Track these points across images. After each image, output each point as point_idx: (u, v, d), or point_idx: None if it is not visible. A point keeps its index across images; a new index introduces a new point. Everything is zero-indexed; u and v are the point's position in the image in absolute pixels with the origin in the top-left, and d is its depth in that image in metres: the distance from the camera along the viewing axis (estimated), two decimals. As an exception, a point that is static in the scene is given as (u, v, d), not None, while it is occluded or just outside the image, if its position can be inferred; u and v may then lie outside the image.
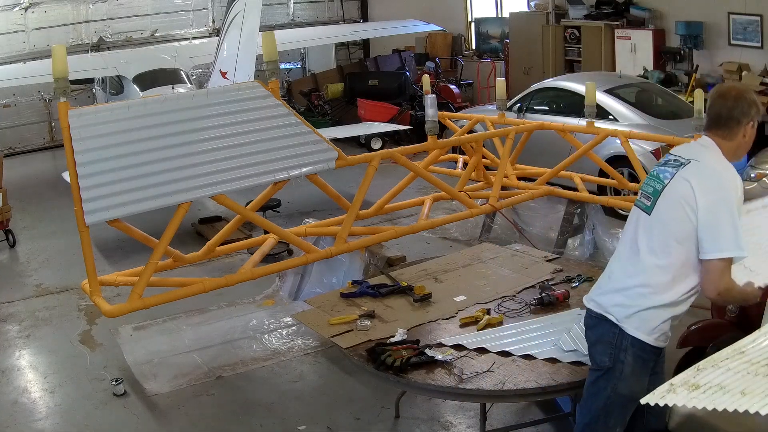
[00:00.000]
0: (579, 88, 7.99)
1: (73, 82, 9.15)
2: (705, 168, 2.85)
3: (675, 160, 2.95)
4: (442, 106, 8.78)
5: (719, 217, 2.75)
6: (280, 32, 9.07)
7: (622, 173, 6.84)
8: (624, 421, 2.99)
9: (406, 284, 4.18)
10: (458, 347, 3.44)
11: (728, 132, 2.94)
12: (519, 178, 6.84)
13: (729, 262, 2.76)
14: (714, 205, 2.76)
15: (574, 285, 4.04)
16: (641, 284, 2.87)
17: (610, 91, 8.48)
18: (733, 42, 9.88)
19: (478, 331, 3.63)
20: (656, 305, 2.85)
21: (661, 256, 2.85)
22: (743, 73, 9.52)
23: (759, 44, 9.62)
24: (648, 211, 2.93)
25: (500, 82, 7.47)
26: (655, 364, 3.00)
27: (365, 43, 16.81)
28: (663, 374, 3.09)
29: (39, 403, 4.94)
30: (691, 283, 2.85)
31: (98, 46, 13.49)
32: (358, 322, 3.75)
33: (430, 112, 5.85)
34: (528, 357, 3.33)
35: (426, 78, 7.62)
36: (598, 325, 2.98)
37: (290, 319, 5.66)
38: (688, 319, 5.40)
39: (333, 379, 5.03)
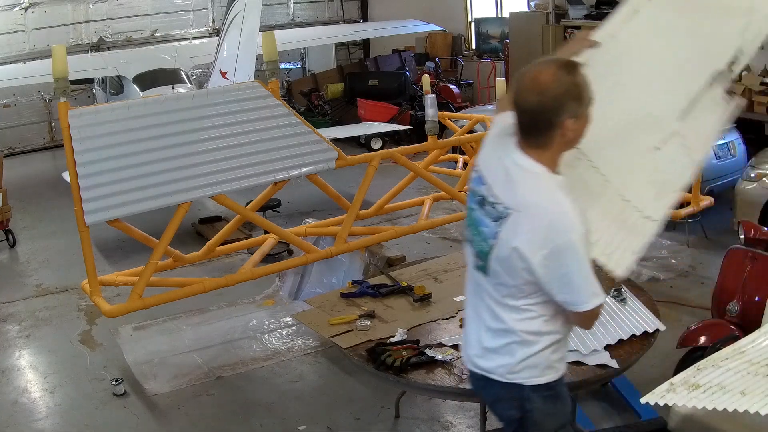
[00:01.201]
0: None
1: (73, 82, 9.16)
2: (528, 221, 2.30)
3: (492, 205, 2.40)
4: (442, 106, 8.77)
5: (563, 271, 2.30)
6: (280, 32, 9.06)
7: (622, 173, 6.83)
8: None
9: (406, 284, 4.18)
10: (458, 347, 3.44)
11: (540, 139, 2.33)
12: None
13: (589, 311, 2.38)
14: (553, 260, 2.28)
15: (574, 285, 4.03)
16: (512, 341, 2.47)
17: (610, 91, 8.46)
18: (733, 42, 9.87)
19: (478, 331, 3.62)
20: (536, 351, 2.47)
21: (518, 312, 2.44)
22: (743, 73, 9.52)
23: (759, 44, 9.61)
24: (484, 272, 2.47)
25: (500, 82, 7.45)
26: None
27: (365, 43, 16.81)
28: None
29: (39, 403, 4.94)
30: (562, 316, 2.48)
31: (98, 46, 13.48)
32: (358, 322, 3.75)
33: (430, 112, 5.85)
34: (528, 357, 3.32)
35: (426, 78, 7.61)
36: (488, 386, 2.61)
37: (290, 319, 5.67)
38: (688, 318, 5.42)
39: (333, 379, 5.03)
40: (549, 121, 2.28)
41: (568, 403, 2.69)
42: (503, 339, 2.49)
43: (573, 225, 2.27)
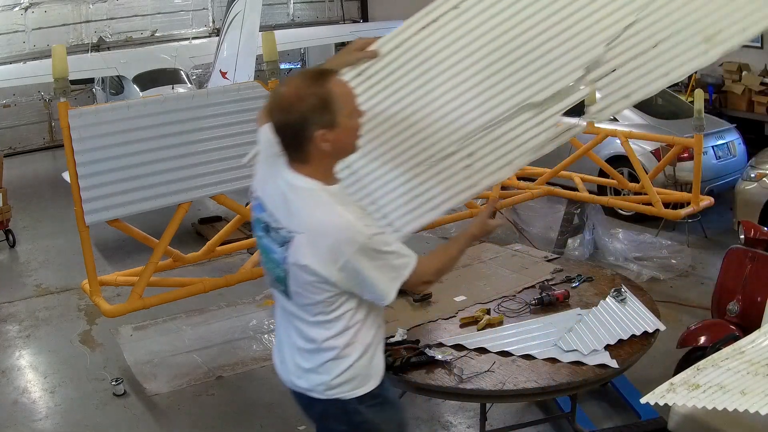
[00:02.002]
0: (579, 88, 7.98)
1: (73, 82, 9.16)
2: (313, 242, 2.25)
3: (276, 230, 2.35)
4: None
5: (362, 277, 2.27)
6: (280, 32, 9.06)
7: (622, 173, 6.84)
8: None
9: (406, 284, 4.17)
10: (458, 347, 3.44)
11: (299, 155, 2.28)
12: (519, 178, 6.83)
13: (408, 281, 2.35)
14: (349, 271, 2.25)
15: (574, 285, 4.04)
16: (326, 360, 2.41)
17: (610, 91, 8.46)
18: (733, 42, 9.87)
19: (478, 331, 3.63)
20: (351, 364, 2.41)
21: (327, 328, 2.38)
22: (743, 73, 9.53)
23: (759, 44, 9.61)
24: (287, 296, 2.44)
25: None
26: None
27: (365, 43, 16.80)
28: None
29: (39, 403, 4.94)
30: (373, 321, 2.46)
31: (98, 46, 13.48)
32: (358, 322, 3.75)
33: (430, 112, 5.84)
34: (528, 357, 3.33)
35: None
36: (312, 404, 2.53)
37: (290, 319, 5.66)
38: (688, 318, 5.42)
39: (333, 379, 5.03)
40: (298, 136, 2.24)
41: (399, 406, 2.65)
42: (317, 359, 2.42)
43: (358, 233, 2.23)
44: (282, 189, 2.33)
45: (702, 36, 2.51)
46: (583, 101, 2.71)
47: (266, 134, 2.44)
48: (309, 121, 2.20)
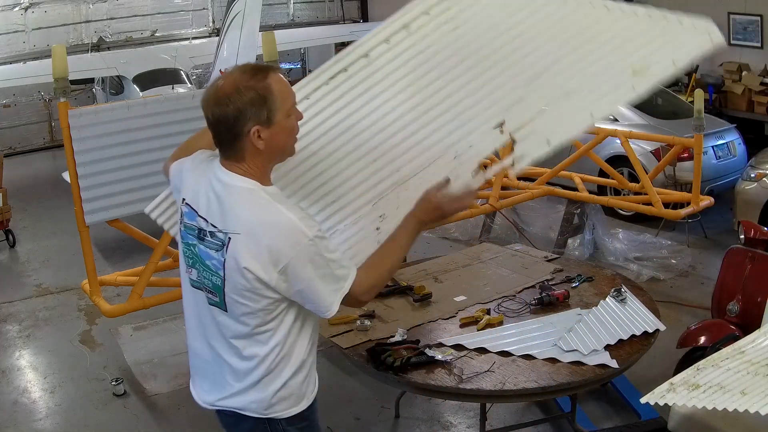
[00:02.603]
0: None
1: (73, 82, 9.16)
2: (252, 242, 2.12)
3: (211, 234, 2.22)
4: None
5: (304, 283, 2.16)
6: (280, 32, 9.08)
7: (622, 173, 6.85)
8: None
9: (406, 284, 4.17)
10: (458, 347, 3.44)
11: (233, 152, 2.18)
12: (519, 178, 6.83)
13: (347, 297, 2.24)
14: (291, 275, 2.14)
15: (574, 285, 4.04)
16: (261, 375, 2.29)
17: (610, 91, 8.46)
18: (733, 42, 9.88)
19: (478, 331, 3.63)
20: (286, 380, 2.31)
21: (264, 342, 2.25)
22: (743, 73, 9.53)
23: (759, 44, 9.62)
24: (222, 308, 2.25)
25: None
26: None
27: (365, 43, 16.80)
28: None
29: (39, 403, 4.94)
30: (308, 336, 2.34)
31: (98, 46, 13.48)
32: (358, 322, 3.75)
33: (430, 112, 5.84)
34: (528, 357, 3.33)
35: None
36: (239, 423, 2.42)
37: (290, 319, 5.66)
38: (688, 318, 5.42)
39: (333, 379, 5.03)
40: (233, 130, 2.14)
41: (320, 430, 2.54)
42: (252, 376, 2.29)
43: (300, 233, 2.12)
44: (216, 190, 2.21)
45: (630, 71, 2.40)
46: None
47: (176, 167, 2.48)
48: (244, 115, 2.11)
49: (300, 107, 2.34)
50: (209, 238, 2.22)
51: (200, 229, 2.25)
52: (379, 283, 2.33)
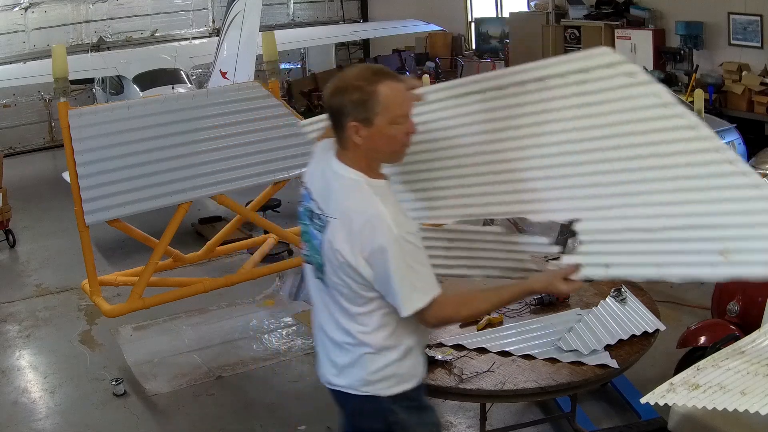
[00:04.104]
0: (579, 88, 7.98)
1: (73, 82, 9.14)
2: (345, 226, 2.29)
3: (318, 216, 2.42)
4: (442, 106, 8.76)
5: (384, 273, 2.26)
6: (280, 32, 9.05)
7: (622, 173, 6.83)
8: None
9: (406, 284, 4.17)
10: (458, 347, 3.43)
11: (339, 137, 2.36)
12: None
13: (421, 312, 2.30)
14: (374, 262, 2.26)
15: (574, 285, 4.04)
16: (363, 353, 2.42)
17: (610, 91, 8.46)
18: (733, 42, 9.87)
19: (478, 331, 3.62)
20: (391, 362, 2.42)
21: (363, 323, 2.39)
22: (743, 73, 9.52)
23: (759, 44, 9.61)
24: (325, 283, 2.46)
25: (500, 82, 7.46)
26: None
27: (365, 43, 16.80)
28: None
29: (39, 403, 4.94)
30: (413, 322, 2.41)
31: (98, 46, 13.48)
32: (358, 322, 3.75)
33: (430, 112, 5.84)
34: (528, 357, 3.33)
35: (426, 78, 7.62)
36: (347, 400, 2.54)
37: (290, 319, 5.67)
38: (688, 318, 5.42)
39: (333, 379, 5.03)
40: (338, 121, 2.32)
41: (434, 413, 2.63)
42: (353, 352, 2.44)
43: (388, 227, 2.23)
44: (327, 176, 2.40)
45: (721, 248, 2.10)
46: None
47: (314, 149, 2.62)
48: (346, 110, 2.26)
49: (434, 106, 2.52)
50: (316, 220, 2.43)
51: (311, 211, 2.46)
52: (454, 318, 2.43)
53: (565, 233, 2.48)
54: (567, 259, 2.32)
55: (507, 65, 12.98)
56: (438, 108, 2.62)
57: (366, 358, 2.43)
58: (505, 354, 3.37)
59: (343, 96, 2.26)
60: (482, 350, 3.41)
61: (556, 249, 2.52)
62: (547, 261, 2.54)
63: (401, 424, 2.50)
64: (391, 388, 2.46)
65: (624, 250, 2.32)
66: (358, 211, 2.29)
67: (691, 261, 2.18)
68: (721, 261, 2.10)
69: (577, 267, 2.30)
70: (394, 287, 2.27)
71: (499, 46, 13.91)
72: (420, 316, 2.32)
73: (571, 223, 2.41)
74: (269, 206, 7.49)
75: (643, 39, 10.85)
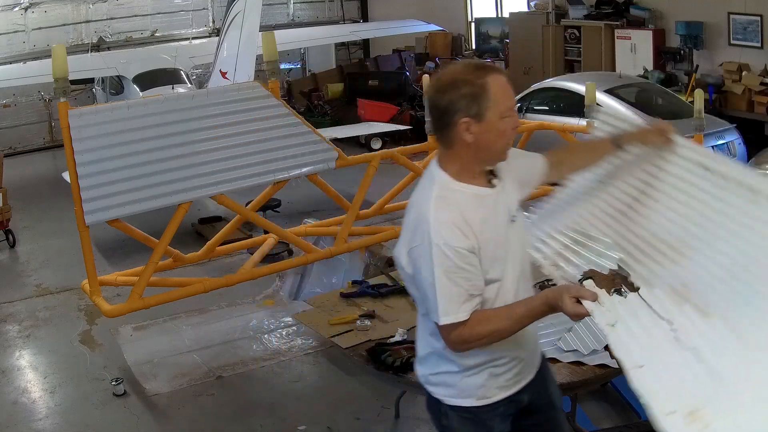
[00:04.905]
0: (579, 88, 7.99)
1: (73, 82, 9.14)
2: (404, 221, 2.31)
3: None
4: (442, 106, 8.77)
5: (418, 276, 2.21)
6: (280, 32, 9.05)
7: (622, 173, 6.83)
8: None
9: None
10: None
11: (443, 136, 2.24)
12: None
13: (442, 325, 2.21)
14: (412, 262, 2.22)
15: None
16: (431, 351, 2.39)
17: (610, 91, 8.47)
18: (733, 42, 9.88)
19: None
20: (450, 371, 2.36)
21: (426, 328, 2.36)
22: (743, 73, 9.53)
23: (759, 44, 9.62)
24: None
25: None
26: (509, 418, 2.44)
27: (365, 43, 16.81)
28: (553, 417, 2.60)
29: (39, 403, 4.94)
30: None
31: (98, 46, 13.49)
32: (358, 322, 3.75)
33: (430, 112, 5.84)
34: (528, 357, 3.32)
35: (426, 78, 7.60)
36: (426, 395, 2.52)
37: (290, 319, 5.66)
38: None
39: (333, 379, 5.03)
40: (443, 119, 2.20)
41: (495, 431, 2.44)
42: (426, 348, 2.40)
43: (427, 233, 2.15)
44: (429, 166, 2.37)
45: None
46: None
47: None
48: (456, 106, 2.16)
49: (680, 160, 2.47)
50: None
51: None
52: (473, 339, 2.21)
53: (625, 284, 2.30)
54: (589, 285, 2.17)
55: (507, 66, 13.00)
56: (669, 160, 2.57)
57: (432, 358, 2.39)
58: (505, 354, 3.37)
59: (452, 92, 2.16)
60: (482, 350, 3.41)
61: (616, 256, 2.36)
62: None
63: (449, 429, 2.44)
64: (448, 397, 2.39)
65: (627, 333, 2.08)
66: (415, 205, 2.27)
67: None
68: None
69: (594, 296, 2.11)
70: (427, 292, 2.20)
71: (499, 46, 13.93)
72: (441, 330, 2.22)
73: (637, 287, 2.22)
74: (269, 206, 7.49)
75: (643, 39, 10.85)
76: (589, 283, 2.15)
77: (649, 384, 1.89)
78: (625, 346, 2.00)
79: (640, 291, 2.18)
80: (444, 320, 2.18)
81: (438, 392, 2.41)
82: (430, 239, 2.15)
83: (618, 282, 2.24)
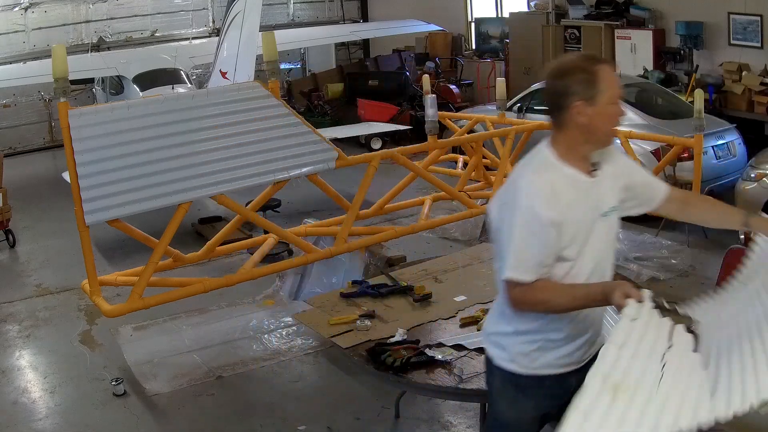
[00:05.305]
0: (579, 88, 7.98)
1: (73, 82, 9.14)
2: (509, 180, 2.49)
3: None
4: (442, 106, 8.76)
5: (502, 231, 2.39)
6: (280, 32, 9.05)
7: (622, 173, 6.82)
8: None
9: (406, 284, 4.18)
10: (458, 347, 3.44)
11: (555, 118, 2.44)
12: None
13: (506, 279, 2.36)
14: (500, 220, 2.41)
15: (574, 285, 4.04)
16: (495, 308, 2.61)
17: (610, 91, 8.46)
18: (733, 42, 9.88)
19: (478, 331, 3.62)
20: (504, 332, 2.54)
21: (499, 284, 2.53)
22: (743, 73, 9.52)
23: (759, 44, 9.61)
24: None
25: (500, 82, 7.48)
26: (549, 393, 2.55)
27: (365, 43, 16.81)
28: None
29: (39, 403, 4.94)
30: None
31: (98, 46, 13.49)
32: (358, 322, 3.75)
33: (430, 112, 5.85)
34: (528, 357, 3.33)
35: (426, 78, 7.63)
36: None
37: (290, 319, 5.66)
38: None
39: (333, 379, 5.03)
40: (559, 102, 2.39)
41: (535, 404, 2.58)
42: (496, 303, 2.60)
43: (523, 196, 2.33)
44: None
45: None
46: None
47: None
48: (571, 90, 2.35)
49: None
50: None
51: None
52: (531, 301, 2.36)
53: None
54: (645, 294, 2.22)
55: (507, 66, 13.00)
56: None
57: (495, 314, 2.60)
58: (505, 354, 3.37)
59: (568, 77, 2.35)
60: (482, 350, 3.40)
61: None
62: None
63: (493, 387, 2.64)
64: (497, 358, 2.57)
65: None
66: (518, 168, 2.48)
67: None
68: None
69: (641, 296, 2.20)
70: (504, 246, 2.37)
71: (499, 46, 13.92)
72: (506, 286, 2.38)
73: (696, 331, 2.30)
74: (269, 206, 7.49)
75: (643, 39, 10.85)
76: (646, 293, 2.24)
77: (610, 358, 2.08)
78: (622, 333, 2.14)
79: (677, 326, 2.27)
80: (509, 274, 2.34)
81: (491, 350, 2.61)
82: (519, 200, 2.33)
83: (665, 308, 2.28)
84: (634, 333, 2.15)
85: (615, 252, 2.58)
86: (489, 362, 2.63)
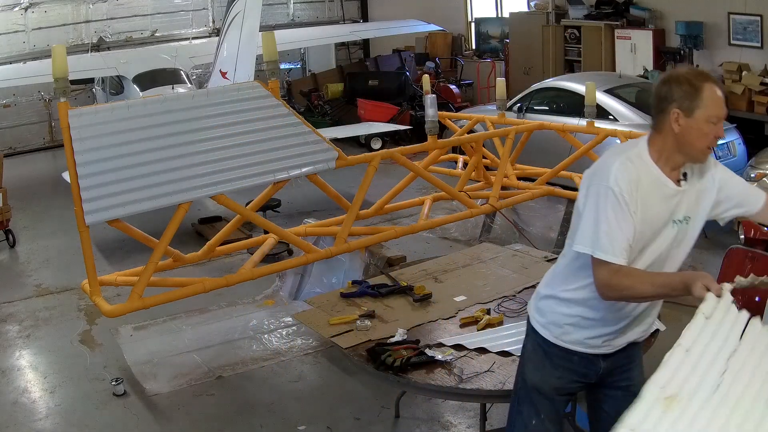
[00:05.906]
0: (579, 88, 8.00)
1: (73, 82, 9.15)
2: (602, 159, 2.59)
3: None
4: (442, 106, 8.78)
5: (584, 209, 2.51)
6: (280, 32, 9.07)
7: (622, 173, 6.82)
8: (535, 412, 2.77)
9: (406, 284, 4.18)
10: (458, 347, 3.44)
11: (655, 121, 2.56)
12: (519, 178, 6.84)
13: (597, 259, 2.43)
14: (584, 197, 2.53)
15: (574, 285, 4.04)
16: (552, 274, 2.78)
17: (610, 91, 8.48)
18: (733, 42, 9.88)
19: (478, 331, 3.63)
20: (547, 296, 2.72)
21: (566, 249, 2.70)
22: (743, 73, 9.53)
23: (759, 44, 9.62)
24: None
25: (500, 82, 7.47)
26: (577, 368, 2.71)
27: (365, 43, 16.81)
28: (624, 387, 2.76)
29: (39, 403, 4.94)
30: (581, 279, 2.59)
31: (98, 46, 13.49)
32: (358, 322, 3.75)
33: (430, 112, 5.85)
34: (528, 357, 3.33)
35: (426, 78, 7.62)
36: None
37: (290, 319, 5.66)
38: (688, 318, 5.40)
39: (333, 379, 5.04)
40: (659, 105, 2.50)
41: (560, 375, 2.72)
42: (550, 270, 2.79)
43: (605, 175, 2.45)
44: None
45: None
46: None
47: None
48: (672, 97, 2.46)
49: None
50: None
51: None
52: (615, 284, 2.42)
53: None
54: (725, 287, 2.31)
55: (507, 66, 13.00)
56: None
57: (548, 276, 2.78)
58: (505, 354, 3.37)
59: (673, 85, 2.47)
60: (482, 350, 3.41)
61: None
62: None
63: (525, 349, 2.82)
64: (535, 321, 2.75)
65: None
66: (611, 150, 2.59)
67: None
68: None
69: (720, 290, 2.31)
70: (582, 224, 2.49)
71: (499, 46, 13.92)
72: (597, 269, 2.44)
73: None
74: (269, 206, 7.49)
75: (643, 39, 10.85)
76: (726, 287, 2.32)
77: (674, 364, 2.14)
78: (693, 333, 2.21)
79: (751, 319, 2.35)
80: (601, 255, 2.42)
81: (531, 312, 2.79)
82: (607, 181, 2.43)
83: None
84: (703, 334, 2.21)
85: (679, 263, 2.64)
86: (528, 323, 2.81)
